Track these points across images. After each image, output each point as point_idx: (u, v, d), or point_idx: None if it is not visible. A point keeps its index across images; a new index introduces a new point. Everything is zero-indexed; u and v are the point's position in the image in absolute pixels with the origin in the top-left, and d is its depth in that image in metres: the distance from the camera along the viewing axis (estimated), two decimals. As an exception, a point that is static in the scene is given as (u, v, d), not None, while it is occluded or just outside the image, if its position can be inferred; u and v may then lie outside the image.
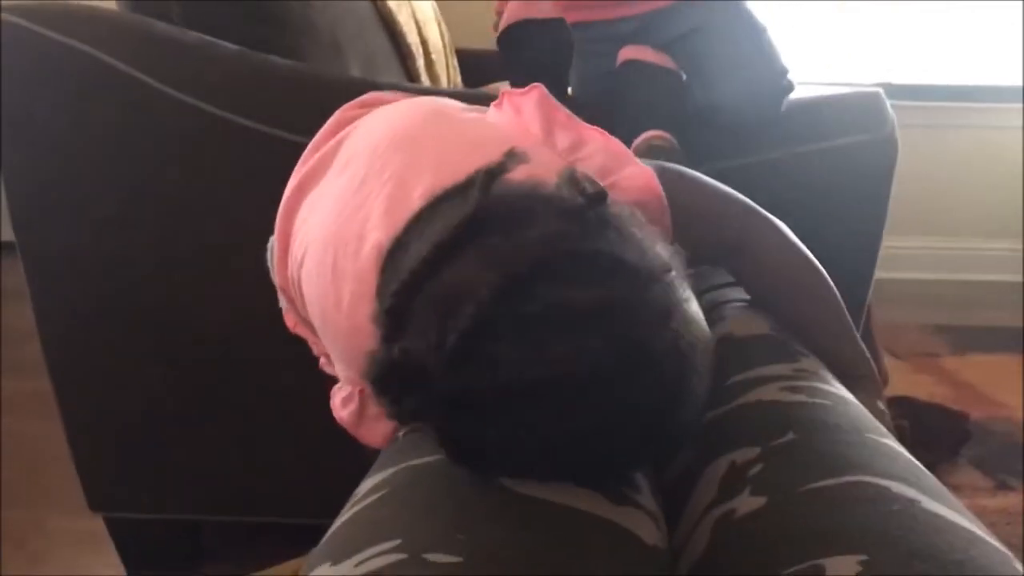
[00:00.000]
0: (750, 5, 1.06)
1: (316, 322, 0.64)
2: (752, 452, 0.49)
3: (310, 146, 0.70)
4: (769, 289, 0.70)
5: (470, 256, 0.41)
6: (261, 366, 1.02)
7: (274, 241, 0.70)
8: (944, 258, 2.42)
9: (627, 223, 0.44)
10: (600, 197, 0.43)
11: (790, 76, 1.04)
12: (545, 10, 1.11)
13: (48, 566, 1.21)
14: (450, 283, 0.41)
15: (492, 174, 0.44)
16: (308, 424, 1.00)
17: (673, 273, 0.43)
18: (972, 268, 2.42)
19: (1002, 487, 1.42)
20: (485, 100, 0.75)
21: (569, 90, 1.19)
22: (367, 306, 0.46)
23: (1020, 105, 2.27)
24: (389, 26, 1.41)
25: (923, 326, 2.08)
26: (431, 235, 0.43)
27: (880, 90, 1.05)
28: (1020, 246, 2.39)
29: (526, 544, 0.39)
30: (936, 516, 0.41)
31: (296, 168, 0.70)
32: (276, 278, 0.71)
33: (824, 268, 0.68)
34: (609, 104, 1.07)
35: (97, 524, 1.15)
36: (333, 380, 0.66)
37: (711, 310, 0.71)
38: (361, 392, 0.60)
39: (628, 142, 0.91)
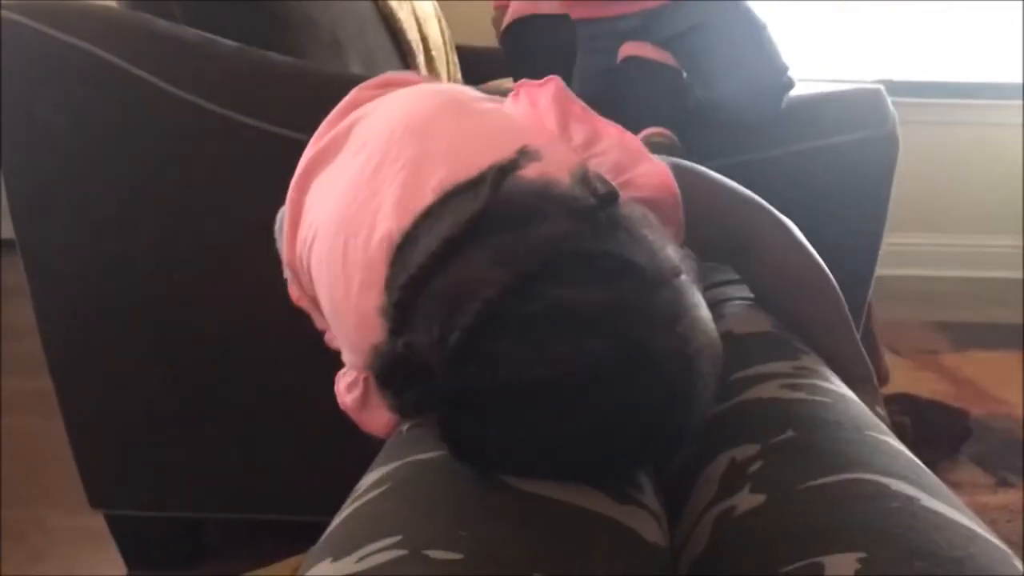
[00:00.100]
0: (750, 3, 1.05)
1: (325, 306, 0.64)
2: (752, 449, 0.49)
3: (325, 122, 0.71)
4: (773, 287, 0.70)
5: (477, 253, 0.41)
6: (261, 366, 1.02)
7: (284, 213, 0.69)
8: (945, 255, 2.43)
9: (638, 224, 0.44)
10: (612, 198, 0.43)
11: (790, 73, 1.03)
12: (548, 7, 1.10)
13: (48, 563, 1.20)
14: (456, 280, 0.41)
15: (504, 171, 0.43)
16: (308, 423, 1.01)
17: (683, 277, 0.43)
18: (973, 264, 2.42)
19: (1003, 484, 1.42)
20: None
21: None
22: (375, 296, 0.46)
23: (1020, 102, 2.27)
24: (389, 23, 1.40)
25: (924, 323, 2.08)
26: (440, 230, 0.43)
27: (881, 87, 1.04)
28: (1020, 242, 2.39)
29: (527, 542, 0.39)
30: (936, 513, 0.41)
31: (310, 144, 0.70)
32: (284, 251, 0.71)
33: (825, 265, 0.68)
34: (610, 101, 1.06)
35: (98, 521, 1.14)
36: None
37: (712, 307, 0.71)
38: (366, 379, 0.60)
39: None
